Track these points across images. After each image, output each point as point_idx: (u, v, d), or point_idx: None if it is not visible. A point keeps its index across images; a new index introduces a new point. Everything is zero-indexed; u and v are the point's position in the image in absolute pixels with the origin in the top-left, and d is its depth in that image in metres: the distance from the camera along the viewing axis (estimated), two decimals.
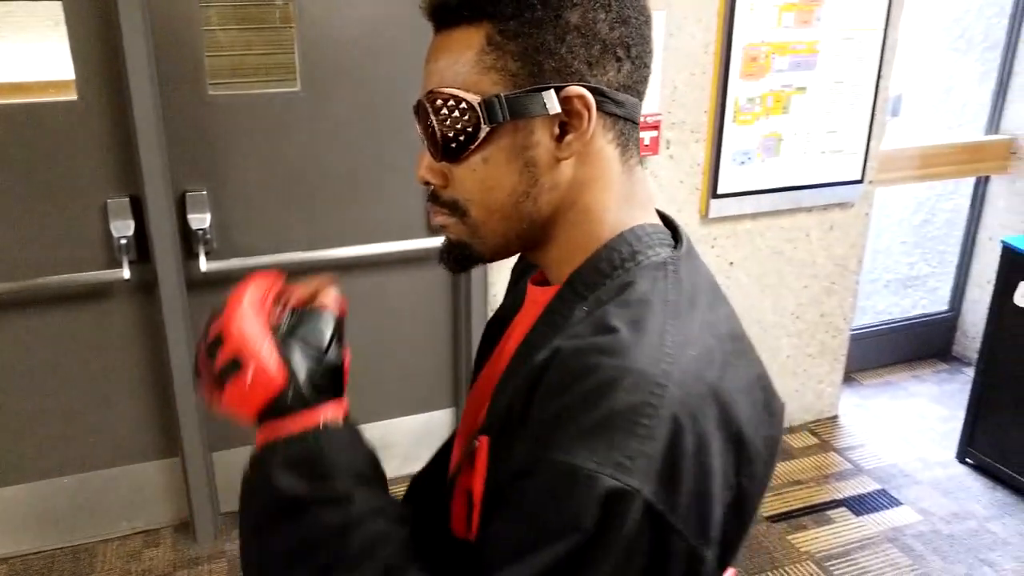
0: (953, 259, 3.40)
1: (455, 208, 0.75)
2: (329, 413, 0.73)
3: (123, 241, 2.03)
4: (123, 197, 2.04)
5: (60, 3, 1.87)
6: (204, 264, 2.06)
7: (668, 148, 2.36)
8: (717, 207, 2.46)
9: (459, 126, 0.71)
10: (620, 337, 0.64)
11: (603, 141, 0.73)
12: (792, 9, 2.33)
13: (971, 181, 3.27)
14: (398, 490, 0.86)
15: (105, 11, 1.89)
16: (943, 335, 3.46)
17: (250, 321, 0.73)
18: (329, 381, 0.75)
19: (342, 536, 0.68)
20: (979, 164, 3.14)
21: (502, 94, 0.70)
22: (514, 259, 0.91)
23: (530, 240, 0.76)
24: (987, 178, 3.23)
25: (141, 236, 2.05)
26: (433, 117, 0.72)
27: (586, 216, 0.74)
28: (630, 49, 0.72)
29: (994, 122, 3.16)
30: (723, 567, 0.68)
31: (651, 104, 2.29)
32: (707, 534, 0.64)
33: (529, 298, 0.84)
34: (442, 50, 0.73)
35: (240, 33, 2.02)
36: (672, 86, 2.31)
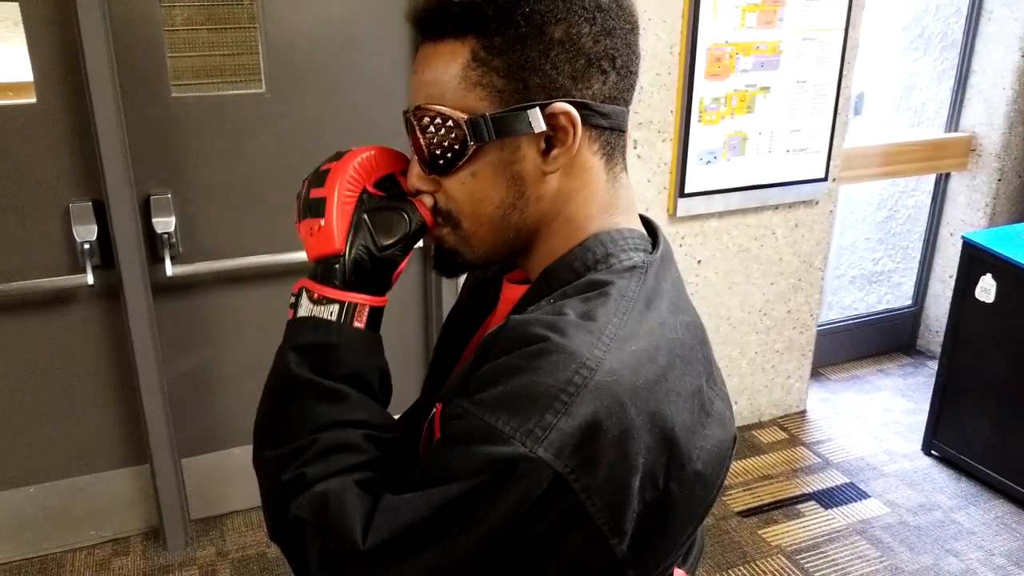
0: (916, 255, 3.46)
1: (448, 218, 0.77)
2: (358, 300, 0.77)
3: (86, 246, 1.99)
4: (86, 201, 2.01)
5: (17, 3, 1.84)
6: (170, 268, 2.03)
7: (635, 148, 2.38)
8: (684, 206, 2.48)
9: (446, 143, 0.72)
10: (566, 319, 0.67)
11: (588, 153, 0.74)
12: (755, 10, 2.36)
13: (932, 178, 3.33)
14: None
15: (64, 11, 1.86)
16: (907, 329, 3.52)
17: (349, 183, 0.79)
18: (373, 275, 0.78)
19: (318, 431, 0.72)
20: (940, 161, 3.20)
21: (488, 114, 0.70)
22: None
23: (517, 248, 0.78)
24: (947, 175, 3.30)
25: (105, 241, 2.02)
26: (420, 134, 0.73)
27: (569, 224, 0.76)
28: (615, 60, 0.72)
29: (953, 120, 3.22)
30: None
31: None
32: (621, 526, 0.65)
33: (504, 295, 0.85)
34: (429, 62, 0.73)
35: (203, 33, 2.00)
36: (638, 86, 2.32)
